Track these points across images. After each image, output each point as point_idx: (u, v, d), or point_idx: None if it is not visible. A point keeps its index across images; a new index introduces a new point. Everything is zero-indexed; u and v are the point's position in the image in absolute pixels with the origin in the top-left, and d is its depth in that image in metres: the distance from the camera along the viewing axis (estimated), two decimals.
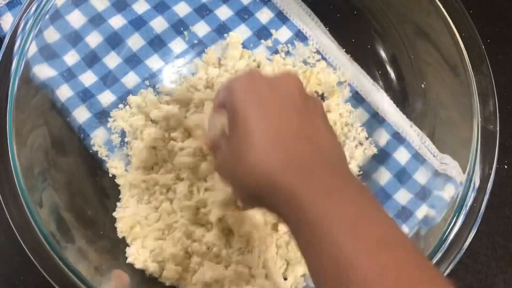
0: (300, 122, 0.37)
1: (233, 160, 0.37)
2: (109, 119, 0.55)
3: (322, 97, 0.58)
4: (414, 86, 0.56)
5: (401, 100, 0.57)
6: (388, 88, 0.58)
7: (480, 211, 0.46)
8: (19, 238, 0.43)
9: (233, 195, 0.47)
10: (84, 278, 0.43)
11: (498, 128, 0.49)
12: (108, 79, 0.56)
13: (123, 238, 0.50)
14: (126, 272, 0.48)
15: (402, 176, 0.55)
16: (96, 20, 0.57)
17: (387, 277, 0.29)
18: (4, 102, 0.46)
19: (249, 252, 0.50)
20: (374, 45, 0.58)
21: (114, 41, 0.57)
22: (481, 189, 0.47)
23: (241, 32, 0.59)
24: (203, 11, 0.59)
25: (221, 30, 0.59)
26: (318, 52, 0.59)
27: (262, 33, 0.59)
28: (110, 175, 0.53)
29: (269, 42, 0.59)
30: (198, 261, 0.49)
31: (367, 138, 0.56)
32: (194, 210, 0.51)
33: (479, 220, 0.46)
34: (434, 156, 0.54)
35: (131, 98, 0.56)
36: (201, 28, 0.59)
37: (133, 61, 0.57)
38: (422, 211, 0.52)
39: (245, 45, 0.59)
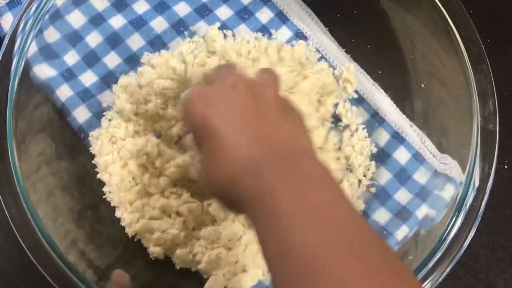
0: (253, 119, 0.38)
1: (206, 167, 0.38)
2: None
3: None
4: (414, 86, 0.56)
5: (401, 100, 0.57)
6: (388, 88, 0.58)
7: (480, 211, 0.46)
8: (19, 238, 0.43)
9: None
10: (84, 278, 0.43)
11: (498, 128, 0.49)
12: (108, 79, 0.56)
13: (125, 238, 0.50)
14: (127, 272, 0.48)
15: (402, 176, 0.55)
16: (96, 20, 0.57)
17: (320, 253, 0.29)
18: (4, 102, 0.46)
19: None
20: (374, 45, 0.58)
21: (114, 41, 0.57)
22: (480, 189, 0.47)
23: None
24: (203, 11, 0.59)
25: (221, 30, 0.59)
26: (318, 51, 0.59)
27: (262, 33, 0.59)
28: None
29: None
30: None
31: (367, 138, 0.56)
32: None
33: (478, 220, 0.46)
34: (434, 156, 0.54)
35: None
36: (201, 28, 0.59)
37: (133, 61, 0.57)
38: (422, 211, 0.52)
39: None
